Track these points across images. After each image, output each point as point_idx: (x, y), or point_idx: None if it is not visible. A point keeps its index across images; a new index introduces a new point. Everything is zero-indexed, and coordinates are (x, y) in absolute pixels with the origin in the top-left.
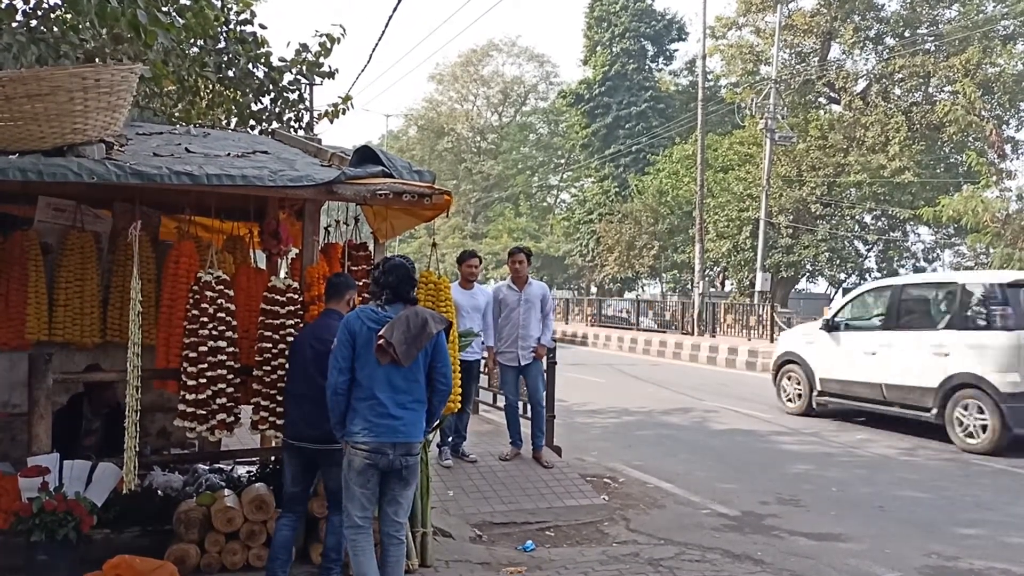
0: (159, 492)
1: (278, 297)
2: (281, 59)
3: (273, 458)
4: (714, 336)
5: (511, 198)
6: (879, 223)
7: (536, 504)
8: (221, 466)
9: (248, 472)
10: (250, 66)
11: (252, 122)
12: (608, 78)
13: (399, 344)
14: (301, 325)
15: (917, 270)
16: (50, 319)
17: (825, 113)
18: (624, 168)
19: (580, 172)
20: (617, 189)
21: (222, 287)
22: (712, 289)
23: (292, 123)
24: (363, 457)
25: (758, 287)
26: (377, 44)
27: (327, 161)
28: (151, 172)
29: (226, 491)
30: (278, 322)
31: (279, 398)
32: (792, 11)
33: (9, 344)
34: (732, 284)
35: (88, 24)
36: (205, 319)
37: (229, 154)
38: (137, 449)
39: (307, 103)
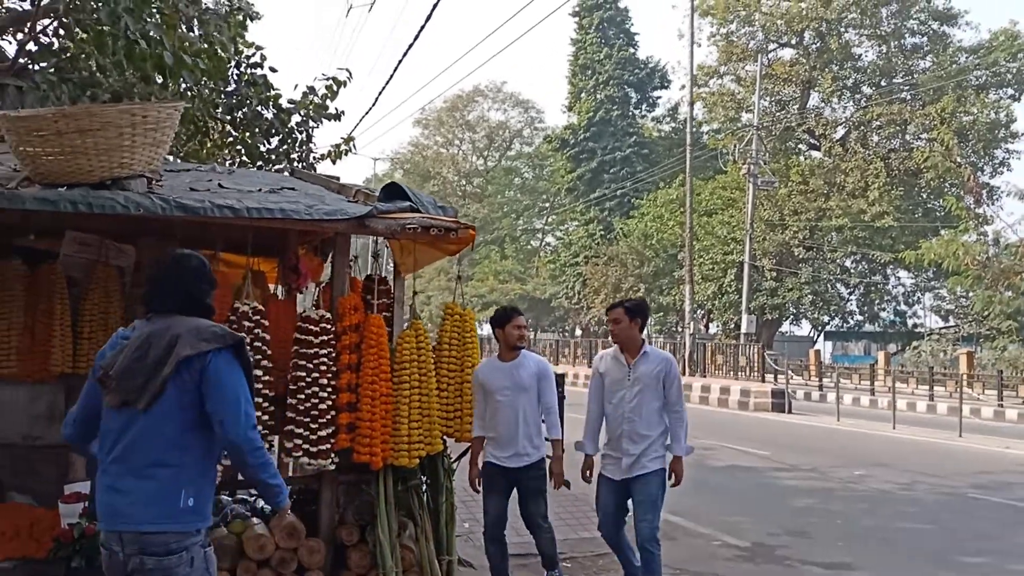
0: None
1: (311, 327)
2: (290, 101)
3: (300, 487)
4: (704, 376)
5: (496, 241)
6: (860, 266)
7: (563, 535)
8: (244, 496)
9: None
10: (259, 108)
11: (259, 163)
12: (593, 124)
13: (121, 377)
14: (333, 355)
15: (898, 314)
16: (74, 351)
17: (806, 159)
18: (609, 211)
19: (565, 215)
20: (602, 232)
21: (258, 317)
22: (697, 331)
23: (296, 163)
24: (102, 555)
25: (743, 329)
26: (384, 88)
27: (352, 197)
28: (194, 205)
29: (254, 520)
30: (312, 351)
31: (312, 426)
32: (772, 60)
33: (33, 376)
34: (717, 326)
35: (114, 65)
36: None
37: (260, 189)
38: None
39: (313, 144)
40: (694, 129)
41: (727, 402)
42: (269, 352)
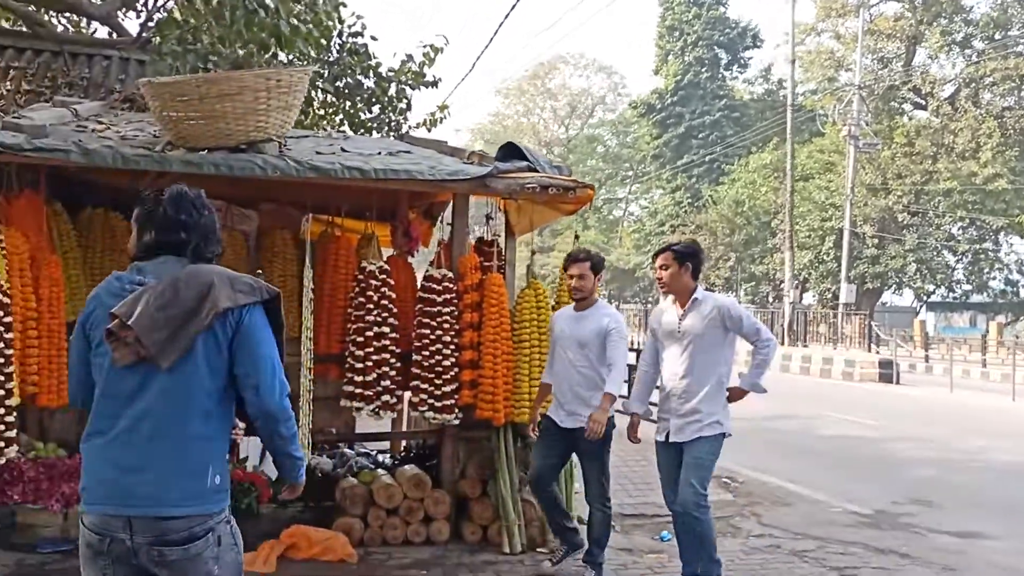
0: (317, 471)
1: (435, 286)
2: (390, 69)
3: (419, 442)
4: (806, 346)
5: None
6: (969, 233)
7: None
8: (366, 450)
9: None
10: (360, 76)
11: (360, 131)
12: (680, 87)
13: (145, 328)
14: (456, 313)
15: (1010, 283)
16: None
17: (911, 119)
18: (697, 178)
19: (650, 183)
20: (690, 200)
21: (384, 276)
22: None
23: (392, 132)
24: (87, 539)
25: (843, 299)
26: (481, 55)
27: (467, 159)
28: (326, 167)
29: (379, 471)
30: (435, 310)
31: (437, 382)
32: (874, 16)
33: None
34: (813, 296)
35: (234, 35)
36: (371, 306)
37: (380, 153)
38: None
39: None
40: (788, 91)
41: (829, 372)
42: (395, 310)
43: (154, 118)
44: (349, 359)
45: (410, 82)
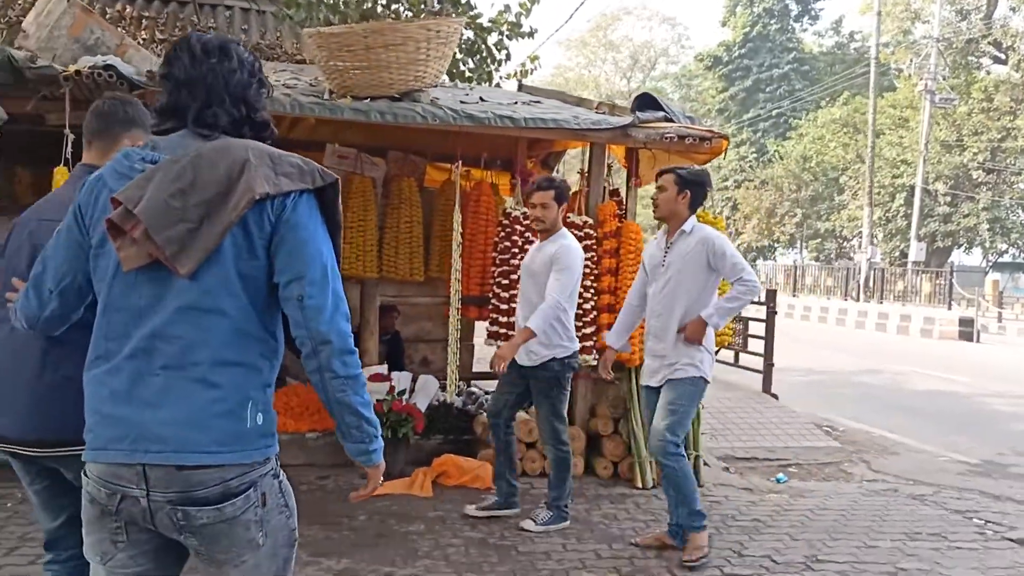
0: (454, 407)
1: (576, 232)
2: (491, 20)
3: None
4: (881, 303)
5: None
6: None
7: (772, 443)
8: (486, 389)
9: None
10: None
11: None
12: (748, 39)
13: (156, 220)
14: (595, 259)
15: None
16: (337, 257)
17: (989, 74)
18: (763, 133)
19: None
20: (755, 155)
21: (528, 221)
22: (852, 258)
23: (487, 83)
24: (92, 494)
25: (912, 257)
26: (580, 6)
27: (595, 109)
28: (480, 116)
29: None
30: None
31: (576, 324)
32: None
33: None
34: (882, 253)
35: None
36: (515, 249)
37: (517, 102)
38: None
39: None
40: (860, 44)
41: (907, 330)
42: None
43: (319, 67)
44: (494, 300)
45: (507, 32)
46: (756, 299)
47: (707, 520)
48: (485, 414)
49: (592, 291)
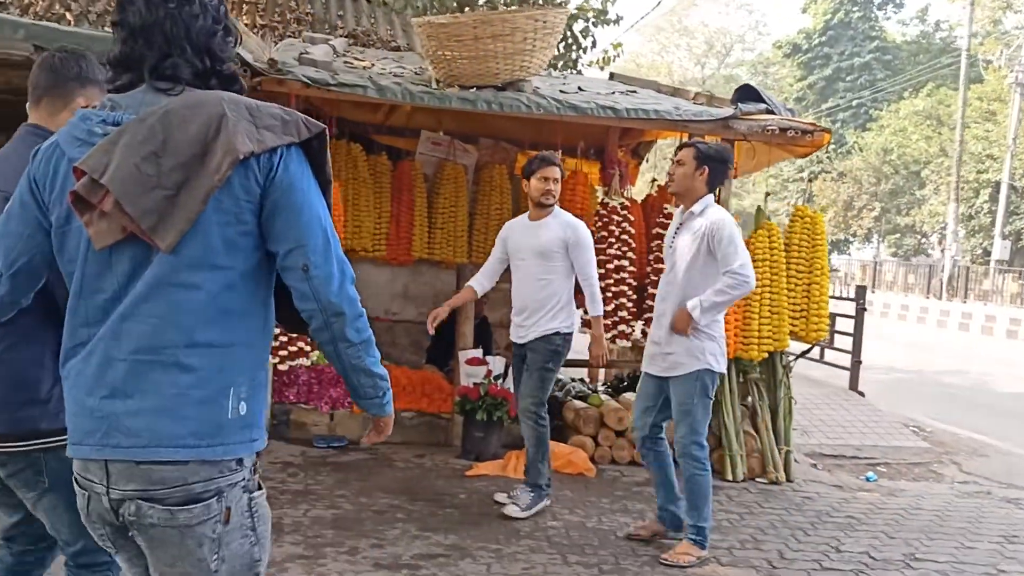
0: None
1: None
2: (577, 7)
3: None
4: (964, 302)
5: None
6: None
7: (860, 441)
8: (582, 376)
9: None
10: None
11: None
12: (830, 27)
13: (128, 189)
14: None
15: None
16: (429, 240)
17: None
18: (842, 123)
19: None
20: (833, 146)
21: (625, 212)
22: (930, 255)
23: (571, 70)
24: (78, 492)
25: (996, 255)
26: None
27: (692, 99)
28: (583, 106)
29: (603, 396)
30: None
31: None
32: None
33: (396, 260)
34: (964, 251)
35: None
36: (612, 240)
37: (614, 92)
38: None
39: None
40: (946, 33)
41: (991, 330)
42: (634, 245)
43: (426, 56)
44: None
45: (593, 19)
46: (747, 295)
47: (708, 544)
48: (573, 400)
49: None
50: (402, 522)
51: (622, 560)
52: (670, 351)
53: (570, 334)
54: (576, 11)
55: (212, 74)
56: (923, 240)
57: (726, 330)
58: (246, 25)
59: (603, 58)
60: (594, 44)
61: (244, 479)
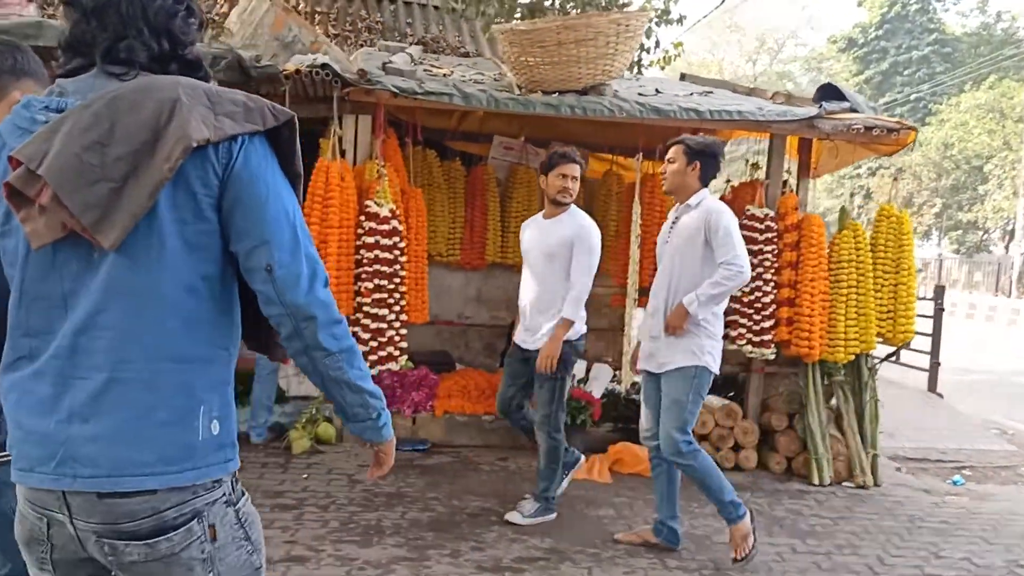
0: (622, 396)
1: (756, 224)
2: (641, 8)
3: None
4: None
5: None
6: None
7: (944, 444)
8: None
9: None
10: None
11: None
12: (886, 20)
13: (66, 180)
14: (776, 251)
15: None
16: (502, 244)
17: None
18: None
19: None
20: None
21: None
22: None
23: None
24: (22, 512)
25: None
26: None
27: (771, 98)
28: (665, 109)
29: None
30: (756, 248)
31: (756, 317)
32: None
33: (470, 264)
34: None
35: None
36: None
37: (692, 93)
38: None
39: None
40: (1008, 24)
41: None
42: None
43: (507, 63)
44: None
45: (656, 19)
46: (743, 287)
47: (745, 510)
48: None
49: (772, 284)
50: (497, 525)
51: (721, 565)
52: (664, 346)
53: (579, 340)
54: (639, 11)
55: (172, 58)
56: (986, 236)
57: (811, 331)
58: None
59: (664, 58)
60: (657, 44)
61: (225, 494)
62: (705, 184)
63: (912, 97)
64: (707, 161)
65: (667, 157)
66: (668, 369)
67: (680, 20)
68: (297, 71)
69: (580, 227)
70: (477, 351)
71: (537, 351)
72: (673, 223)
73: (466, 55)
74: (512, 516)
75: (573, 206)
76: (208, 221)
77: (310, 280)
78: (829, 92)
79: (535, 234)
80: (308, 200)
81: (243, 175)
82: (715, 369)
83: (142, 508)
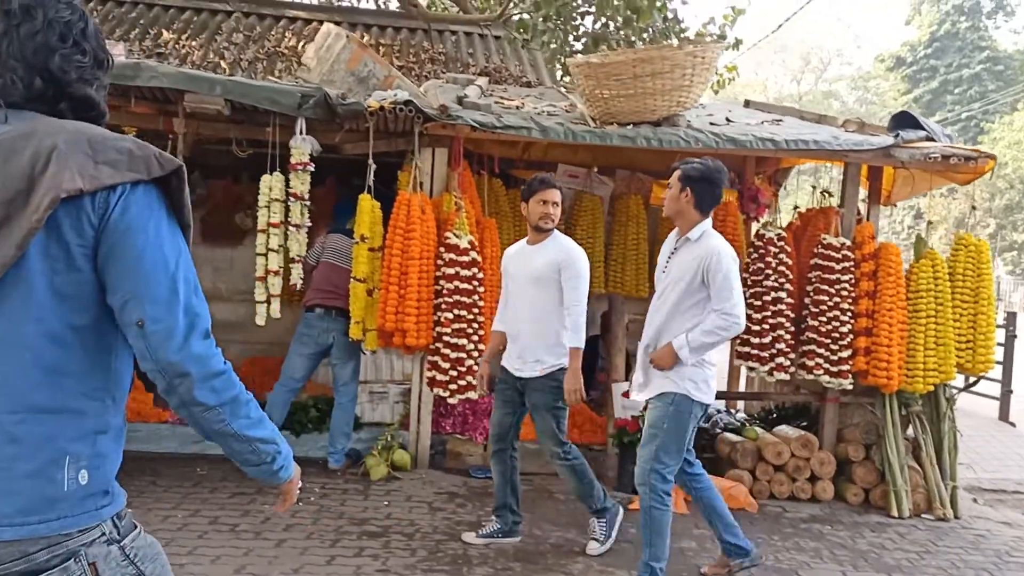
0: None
1: (833, 254)
2: (699, 34)
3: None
4: None
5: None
6: None
7: (1020, 475)
8: (727, 408)
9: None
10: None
11: None
12: (936, 38)
13: None
14: (853, 281)
15: None
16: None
17: None
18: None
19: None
20: None
21: (783, 243)
22: None
23: None
24: None
25: None
26: (788, 19)
27: (841, 126)
28: (741, 139)
29: (758, 429)
30: (833, 277)
31: (833, 347)
32: None
33: None
34: None
35: (597, 8)
36: (768, 271)
37: (762, 122)
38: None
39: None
40: None
41: None
42: (791, 276)
43: (582, 95)
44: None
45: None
46: (736, 336)
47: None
48: (725, 432)
49: (849, 314)
50: (581, 556)
51: None
52: (654, 376)
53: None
54: (696, 37)
55: (61, 97)
56: None
57: (890, 361)
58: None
59: (718, 81)
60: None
61: (103, 534)
62: (704, 212)
63: (963, 116)
64: (701, 188)
65: (668, 182)
66: (650, 396)
67: (736, 45)
68: (381, 107)
69: (566, 251)
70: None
71: (531, 379)
72: (671, 254)
73: (528, 84)
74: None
75: (556, 231)
76: (80, 271)
77: (185, 335)
78: (904, 120)
79: (519, 261)
80: (390, 232)
81: (119, 225)
82: (701, 398)
83: (8, 552)
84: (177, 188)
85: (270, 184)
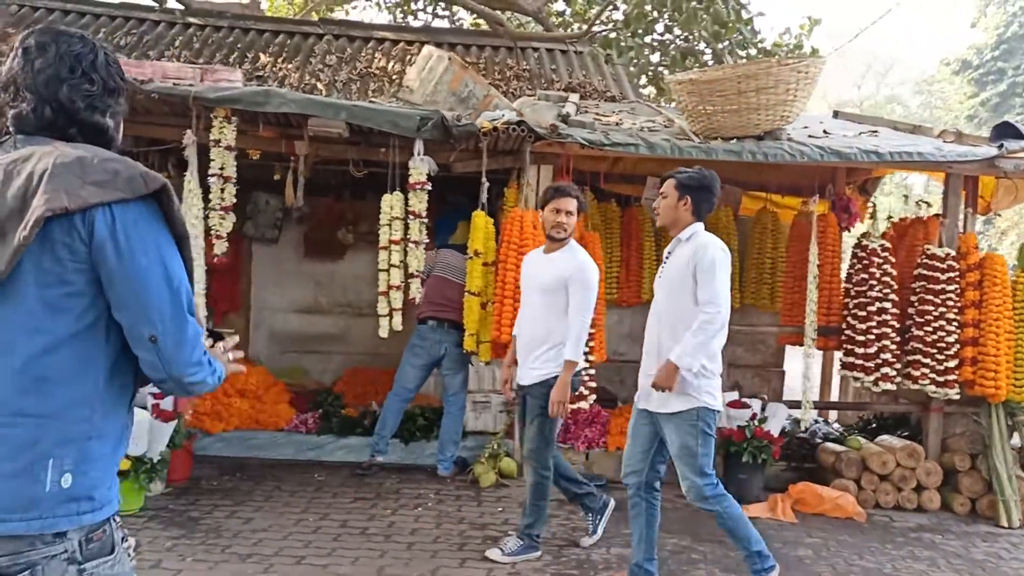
0: (795, 435)
1: (937, 264)
2: (775, 44)
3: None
4: None
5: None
6: None
7: None
8: (820, 417)
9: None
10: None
11: None
12: (1003, 40)
13: None
14: (958, 291)
15: None
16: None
17: None
18: None
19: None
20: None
21: (886, 254)
22: None
23: None
24: None
25: None
26: (866, 29)
27: (939, 136)
28: (846, 151)
29: (860, 439)
30: (938, 287)
31: (939, 357)
32: None
33: (628, 302)
34: None
35: (680, 25)
36: (872, 281)
37: (860, 133)
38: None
39: None
40: None
41: None
42: (895, 285)
43: (684, 111)
44: (848, 331)
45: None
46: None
47: (773, 563)
48: (826, 442)
49: (955, 324)
50: (703, 563)
51: None
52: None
53: (576, 376)
54: (774, 47)
55: (71, 124)
56: None
57: (997, 370)
58: None
59: None
60: None
61: (67, 551)
62: (700, 218)
63: None
64: (699, 195)
65: (660, 191)
66: (665, 412)
67: (813, 53)
68: (494, 128)
69: (576, 264)
70: (631, 387)
71: (531, 388)
72: (666, 258)
73: (612, 99)
74: (492, 553)
75: (572, 241)
76: (72, 284)
77: (192, 348)
78: (1006, 130)
79: (533, 269)
80: (504, 247)
81: (108, 243)
82: (717, 406)
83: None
84: (167, 204)
85: (391, 203)
